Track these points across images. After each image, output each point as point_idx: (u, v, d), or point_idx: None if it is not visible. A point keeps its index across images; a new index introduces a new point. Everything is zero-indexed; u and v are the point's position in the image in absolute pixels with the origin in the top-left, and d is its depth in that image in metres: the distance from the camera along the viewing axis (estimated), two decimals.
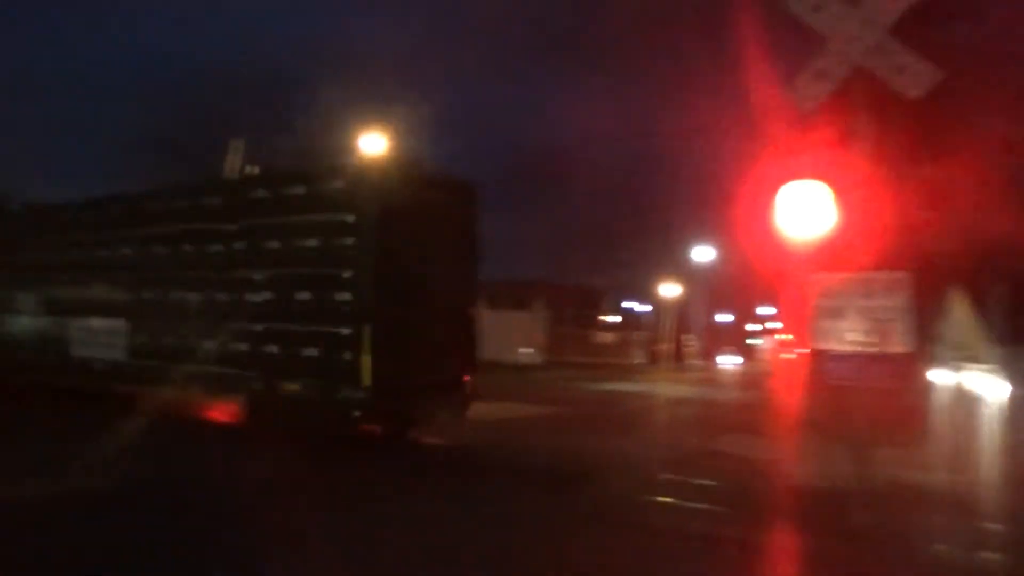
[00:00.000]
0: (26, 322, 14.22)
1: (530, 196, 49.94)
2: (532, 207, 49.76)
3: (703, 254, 48.09)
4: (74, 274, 13.48)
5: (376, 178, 10.25)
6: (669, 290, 51.25)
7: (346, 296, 9.65)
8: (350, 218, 9.75)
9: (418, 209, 9.95)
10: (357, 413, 9.54)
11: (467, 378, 10.76)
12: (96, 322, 12.74)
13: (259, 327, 10.42)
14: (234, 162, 21.78)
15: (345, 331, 9.50)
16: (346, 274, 9.68)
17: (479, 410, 11.59)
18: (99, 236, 13.31)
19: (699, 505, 8.18)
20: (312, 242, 10.10)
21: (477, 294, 11.76)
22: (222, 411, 11.79)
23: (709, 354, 64.81)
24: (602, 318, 67.39)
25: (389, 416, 10.15)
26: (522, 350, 48.68)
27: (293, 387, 10.04)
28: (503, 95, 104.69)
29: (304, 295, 10.09)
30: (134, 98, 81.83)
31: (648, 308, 61.62)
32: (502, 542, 6.47)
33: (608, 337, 66.58)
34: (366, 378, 9.24)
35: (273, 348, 10.28)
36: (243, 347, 10.52)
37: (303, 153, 36.09)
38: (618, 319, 67.88)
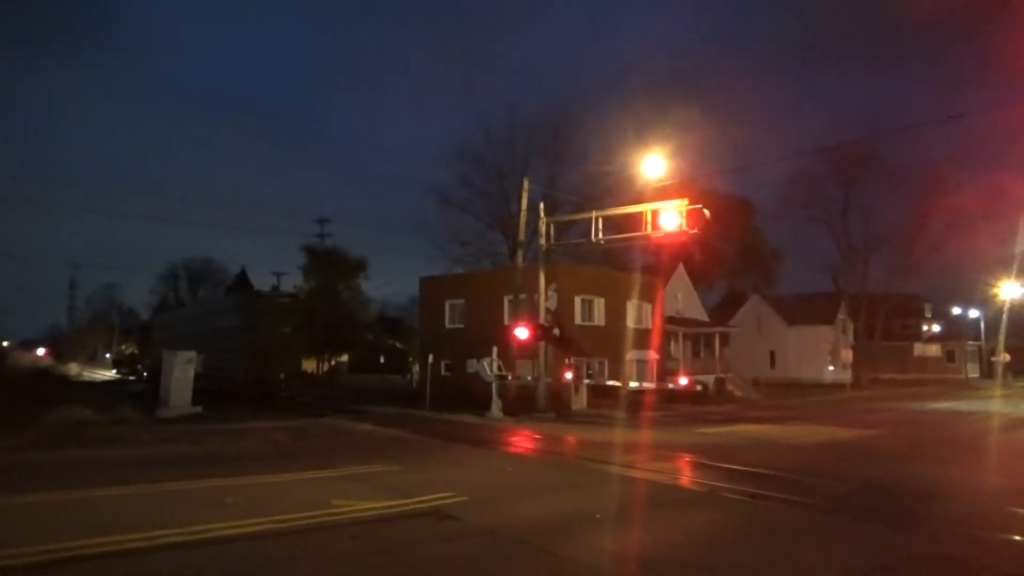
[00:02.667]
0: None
1: (825, 198, 46.18)
2: (829, 211, 46.08)
3: None
4: (195, 337, 30.52)
5: (246, 299, 32.33)
6: (1011, 291, 43.23)
7: (242, 345, 27.53)
8: (240, 316, 28.66)
9: (269, 310, 29.15)
10: (247, 384, 26.85)
11: (282, 378, 28.59)
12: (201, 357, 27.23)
13: (233, 357, 28.05)
14: (523, 201, 23.36)
15: (241, 357, 27.75)
16: (238, 336, 28.05)
17: (779, 432, 10.86)
18: (202, 321, 34.10)
19: None
20: (235, 324, 28.72)
21: (301, 347, 33.19)
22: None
23: None
24: (923, 328, 60.04)
25: (255, 388, 25.82)
26: (828, 368, 45.11)
27: (239, 375, 27.21)
28: (788, 93, 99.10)
29: (238, 345, 27.77)
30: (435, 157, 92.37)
31: (979, 314, 53.06)
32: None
33: (931, 349, 59.21)
34: (243, 374, 26.84)
35: (235, 365, 27.61)
36: (233, 364, 28.08)
37: (590, 182, 37.61)
38: (940, 329, 59.87)
